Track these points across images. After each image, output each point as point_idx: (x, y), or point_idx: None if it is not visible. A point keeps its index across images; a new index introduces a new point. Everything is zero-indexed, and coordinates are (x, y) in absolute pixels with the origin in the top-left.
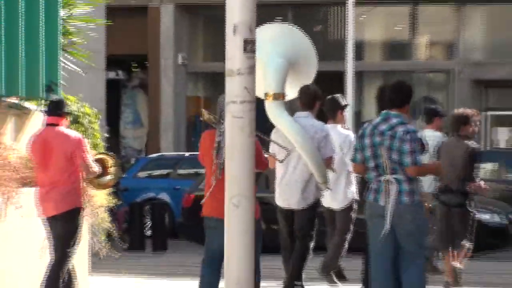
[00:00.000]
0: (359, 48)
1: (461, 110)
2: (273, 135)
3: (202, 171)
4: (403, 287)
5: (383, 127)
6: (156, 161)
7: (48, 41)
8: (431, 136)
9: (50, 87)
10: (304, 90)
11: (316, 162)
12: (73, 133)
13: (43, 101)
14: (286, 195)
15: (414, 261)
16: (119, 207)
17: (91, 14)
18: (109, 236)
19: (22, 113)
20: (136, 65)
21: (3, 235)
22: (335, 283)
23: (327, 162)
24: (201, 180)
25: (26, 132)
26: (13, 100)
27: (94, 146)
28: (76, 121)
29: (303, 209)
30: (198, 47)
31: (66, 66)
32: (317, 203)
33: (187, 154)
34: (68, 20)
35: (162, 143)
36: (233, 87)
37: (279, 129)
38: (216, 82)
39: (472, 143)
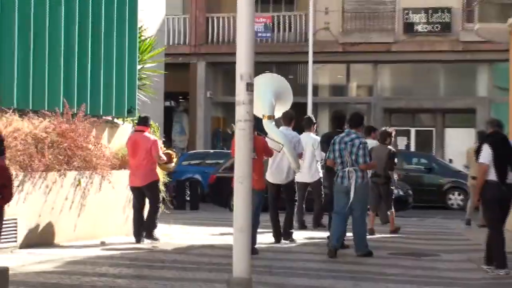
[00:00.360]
0: (315, 88)
1: (385, 128)
2: (267, 140)
3: (221, 161)
4: (353, 231)
5: (346, 139)
6: (193, 155)
7: (129, 82)
8: (370, 143)
9: (130, 110)
10: (285, 114)
11: (292, 156)
12: (152, 137)
13: (126, 119)
14: (276, 176)
15: (358, 215)
16: (170, 182)
17: (156, 67)
18: (163, 200)
19: (113, 126)
20: (182, 98)
21: (100, 199)
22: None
23: (299, 156)
24: (219, 167)
25: (116, 138)
26: (108, 117)
27: None
28: None
29: (287, 183)
30: (218, 87)
31: (140, 97)
32: (293, 180)
33: (211, 151)
34: (142, 70)
35: (197, 144)
36: (240, 112)
37: (271, 136)
38: (229, 108)
39: (391, 148)
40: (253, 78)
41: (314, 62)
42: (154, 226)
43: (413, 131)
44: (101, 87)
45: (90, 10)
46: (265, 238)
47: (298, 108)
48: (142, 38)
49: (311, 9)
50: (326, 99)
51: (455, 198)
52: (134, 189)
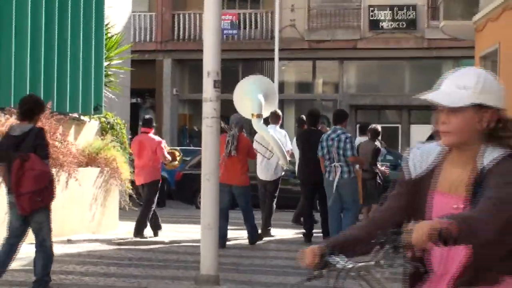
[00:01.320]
0: (281, 85)
1: (375, 126)
2: (257, 137)
3: (188, 158)
4: (343, 225)
5: (333, 135)
6: None
7: (96, 79)
8: (359, 139)
9: (97, 107)
10: (273, 113)
11: (281, 152)
12: (157, 138)
13: (93, 116)
14: (264, 172)
15: (349, 210)
16: None
17: (122, 64)
18: (130, 197)
19: (80, 123)
20: (148, 94)
21: (67, 196)
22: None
23: (287, 153)
24: (186, 164)
25: (82, 135)
26: (74, 115)
27: (122, 142)
28: (112, 127)
29: (273, 180)
30: (184, 84)
31: (106, 94)
32: (280, 177)
33: (178, 148)
34: (108, 67)
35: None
36: (207, 109)
37: (259, 135)
38: (195, 105)
39: (377, 144)
40: (220, 75)
41: (280, 59)
42: (145, 225)
43: (379, 127)
44: (68, 84)
45: (57, 7)
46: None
47: None
48: (109, 35)
49: (277, 7)
50: (292, 96)
51: None
52: (141, 188)
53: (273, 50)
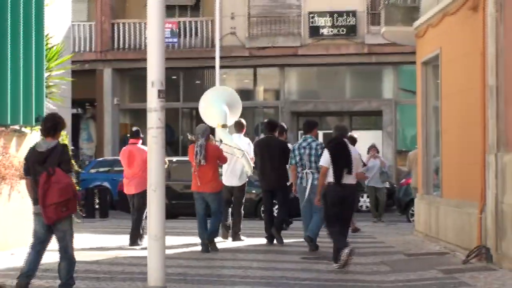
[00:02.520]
0: None
1: (351, 133)
2: (222, 146)
3: None
4: (312, 225)
5: (304, 144)
6: (101, 162)
7: (37, 90)
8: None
9: (38, 119)
10: (237, 122)
11: (246, 160)
12: (146, 148)
13: (34, 128)
14: (230, 179)
15: (317, 213)
16: (79, 190)
17: (63, 74)
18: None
19: (21, 134)
20: (89, 104)
21: (9, 208)
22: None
23: (251, 160)
24: None
25: (24, 147)
26: (16, 126)
27: None
28: None
29: (240, 186)
30: (125, 94)
31: (48, 105)
32: (245, 183)
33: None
34: (49, 78)
35: (104, 151)
36: (152, 119)
37: (224, 143)
38: (137, 115)
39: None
40: (164, 84)
41: (221, 67)
42: (139, 234)
43: (320, 134)
44: (8, 95)
45: None
46: (178, 242)
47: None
48: (49, 45)
49: (217, 15)
50: None
51: (364, 200)
52: (130, 198)
53: (213, 58)
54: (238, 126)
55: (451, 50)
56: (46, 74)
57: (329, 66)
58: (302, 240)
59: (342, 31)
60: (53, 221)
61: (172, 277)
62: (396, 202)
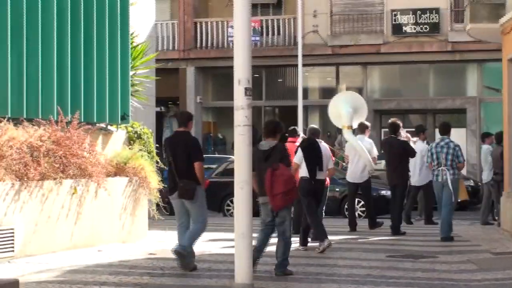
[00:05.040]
0: (305, 91)
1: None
2: (347, 145)
3: (213, 166)
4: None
5: (442, 143)
6: None
7: (122, 89)
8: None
9: (124, 117)
10: (360, 124)
11: (367, 159)
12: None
13: (120, 126)
14: (353, 175)
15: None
16: (164, 188)
17: (147, 73)
18: (157, 206)
19: (107, 133)
20: (172, 103)
21: (96, 206)
22: None
23: (373, 160)
24: (212, 171)
25: (109, 145)
26: (102, 124)
27: (150, 152)
28: (139, 137)
29: (363, 182)
30: (208, 92)
31: (133, 104)
32: (368, 180)
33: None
34: (134, 77)
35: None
36: (239, 117)
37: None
38: (219, 113)
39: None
40: (250, 82)
41: (304, 65)
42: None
43: (403, 132)
44: (95, 94)
45: (82, 17)
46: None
47: (288, 111)
48: (134, 44)
49: (299, 12)
50: (316, 101)
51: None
52: None
53: (296, 56)
54: (361, 128)
55: None
56: (131, 73)
57: (412, 64)
58: (387, 237)
59: (425, 28)
60: (280, 208)
61: (259, 274)
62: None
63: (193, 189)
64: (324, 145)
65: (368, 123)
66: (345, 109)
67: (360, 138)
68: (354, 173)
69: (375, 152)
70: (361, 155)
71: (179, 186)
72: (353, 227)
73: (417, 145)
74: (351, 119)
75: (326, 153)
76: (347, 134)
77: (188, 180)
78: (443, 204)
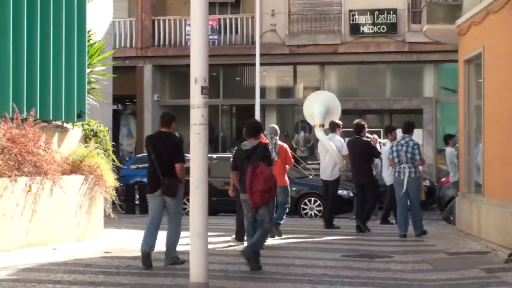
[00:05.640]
0: (263, 90)
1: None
2: (319, 143)
3: None
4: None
5: (402, 141)
6: (141, 158)
7: (79, 86)
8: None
9: (80, 114)
10: (330, 123)
11: (338, 157)
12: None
13: (76, 124)
14: (324, 173)
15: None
16: (120, 186)
17: (104, 70)
18: (113, 204)
19: (63, 130)
20: (129, 101)
21: (51, 204)
22: None
23: (344, 157)
24: None
25: (65, 143)
26: (58, 122)
27: (106, 150)
28: (95, 135)
29: (333, 180)
30: (165, 90)
31: (89, 101)
32: (338, 178)
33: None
34: (90, 74)
35: (144, 148)
36: (195, 115)
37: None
38: (177, 111)
39: None
40: (207, 81)
41: (261, 64)
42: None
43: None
44: (51, 91)
45: (39, 14)
46: (219, 239)
47: (245, 110)
48: (91, 42)
49: (257, 12)
50: (273, 101)
51: (311, 207)
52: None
53: (254, 55)
54: (332, 126)
55: (494, 48)
56: (88, 70)
57: (369, 64)
58: (343, 237)
59: (383, 29)
60: (258, 205)
61: (214, 274)
62: (436, 201)
63: (176, 186)
64: (281, 144)
65: (339, 122)
66: (318, 108)
67: (331, 137)
68: (325, 171)
69: (345, 150)
70: (331, 153)
71: (164, 183)
72: (328, 223)
73: (387, 146)
74: (323, 118)
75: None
76: (318, 132)
77: (173, 178)
78: (414, 203)
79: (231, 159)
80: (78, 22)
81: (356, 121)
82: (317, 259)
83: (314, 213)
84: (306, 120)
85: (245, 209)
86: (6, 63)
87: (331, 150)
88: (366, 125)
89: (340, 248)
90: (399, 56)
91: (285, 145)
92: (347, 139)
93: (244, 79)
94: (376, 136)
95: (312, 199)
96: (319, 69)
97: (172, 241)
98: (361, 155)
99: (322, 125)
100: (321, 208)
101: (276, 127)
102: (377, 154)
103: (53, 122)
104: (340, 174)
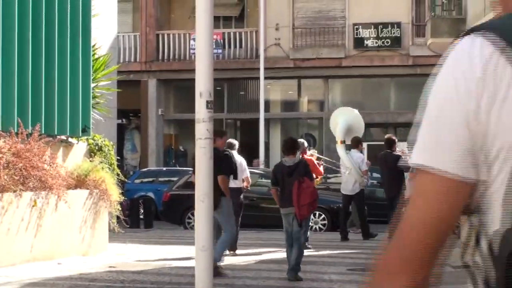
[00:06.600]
0: (267, 104)
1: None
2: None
3: (174, 178)
4: None
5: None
6: (145, 173)
7: (84, 101)
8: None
9: (85, 129)
10: (352, 139)
11: (356, 173)
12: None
13: (81, 138)
14: (345, 188)
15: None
16: (124, 201)
17: (109, 85)
18: (118, 218)
19: (68, 145)
20: (132, 115)
21: (56, 219)
22: None
23: (363, 173)
24: (173, 184)
25: (70, 157)
26: (63, 137)
27: (111, 164)
28: (100, 149)
29: (354, 194)
30: (170, 104)
31: (94, 116)
32: (360, 192)
33: (164, 168)
34: (95, 89)
35: (149, 162)
36: (200, 129)
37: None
38: (181, 125)
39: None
40: (212, 95)
41: (266, 78)
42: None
43: (365, 145)
44: (56, 106)
45: (44, 29)
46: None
47: (250, 124)
48: (96, 56)
49: (261, 25)
50: (278, 114)
51: (315, 221)
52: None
53: (258, 69)
54: (354, 142)
55: None
56: (92, 85)
57: (373, 77)
58: (348, 251)
59: (387, 42)
60: (305, 217)
61: (219, 287)
62: None
63: (217, 200)
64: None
65: (359, 137)
66: (341, 124)
67: (352, 152)
68: (346, 186)
69: (365, 167)
70: (351, 170)
71: None
72: (344, 236)
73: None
74: (344, 134)
75: (240, 164)
76: (339, 149)
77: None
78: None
79: (272, 174)
80: (83, 37)
81: (387, 136)
82: (323, 273)
83: (319, 227)
84: (309, 134)
85: (286, 223)
86: (11, 78)
87: (351, 167)
88: (396, 140)
89: (346, 261)
90: (403, 70)
91: (310, 157)
92: (378, 154)
93: (248, 93)
94: (405, 150)
95: (317, 213)
96: (323, 82)
97: (220, 245)
98: (393, 169)
99: (343, 141)
100: (325, 222)
101: (302, 140)
102: (406, 168)
103: (58, 137)
104: (362, 189)
